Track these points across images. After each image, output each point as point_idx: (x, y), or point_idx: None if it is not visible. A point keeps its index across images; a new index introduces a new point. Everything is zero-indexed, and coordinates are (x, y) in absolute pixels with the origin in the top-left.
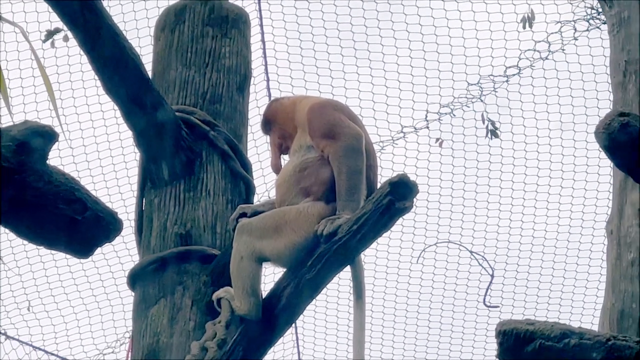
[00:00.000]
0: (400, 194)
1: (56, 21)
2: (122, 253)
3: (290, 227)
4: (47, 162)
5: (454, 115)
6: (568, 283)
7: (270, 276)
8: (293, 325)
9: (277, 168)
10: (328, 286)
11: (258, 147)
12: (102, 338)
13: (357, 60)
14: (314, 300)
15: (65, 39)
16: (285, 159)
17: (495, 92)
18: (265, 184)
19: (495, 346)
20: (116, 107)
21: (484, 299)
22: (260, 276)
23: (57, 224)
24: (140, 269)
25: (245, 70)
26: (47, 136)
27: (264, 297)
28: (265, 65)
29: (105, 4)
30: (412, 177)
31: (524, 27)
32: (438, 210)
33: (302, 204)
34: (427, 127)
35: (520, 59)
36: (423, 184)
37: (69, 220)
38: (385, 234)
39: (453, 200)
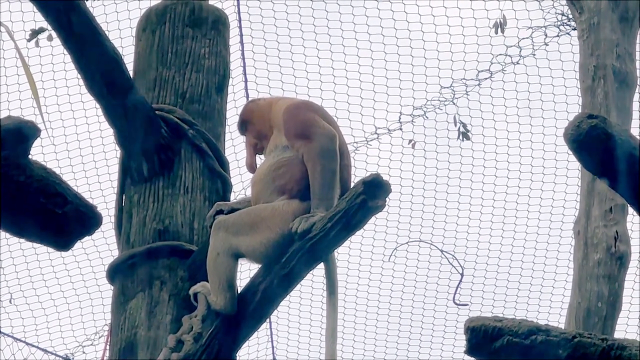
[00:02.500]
0: (373, 194)
1: (41, 21)
2: (102, 248)
3: (266, 224)
4: (30, 157)
5: (427, 117)
6: (536, 282)
7: (246, 272)
8: (268, 319)
9: (252, 167)
10: (302, 282)
11: (235, 146)
12: (82, 330)
13: (332, 63)
14: (288, 295)
15: (50, 38)
16: (261, 158)
17: (467, 95)
18: (242, 182)
19: (464, 343)
20: (98, 105)
21: (454, 297)
22: (235, 272)
23: (38, 217)
24: (119, 263)
25: (224, 71)
26: (30, 131)
27: (239, 292)
28: (244, 66)
29: (88, 4)
30: (385, 177)
31: (496, 32)
32: (410, 210)
33: (278, 201)
34: (400, 129)
35: (492, 63)
36: (396, 184)
37: (49, 214)
38: (358, 232)
39: (425, 201)
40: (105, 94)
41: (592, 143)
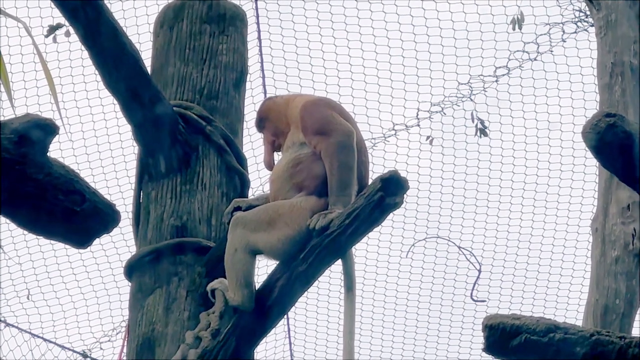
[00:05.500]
0: (391, 190)
1: (58, 17)
2: (119, 244)
3: (284, 221)
4: (48, 154)
5: (444, 113)
6: (553, 279)
7: (264, 268)
8: (285, 316)
9: (269, 165)
10: (319, 279)
11: (253, 143)
12: (99, 327)
13: (350, 59)
14: (306, 292)
15: (67, 34)
16: (279, 155)
17: (485, 91)
18: (259, 179)
19: (481, 340)
20: (115, 102)
21: (471, 293)
22: (253, 268)
23: (56, 214)
24: (137, 259)
25: (242, 67)
26: (48, 129)
27: (257, 288)
28: (261, 62)
29: (106, 0)
30: (403, 174)
31: (514, 29)
32: (428, 206)
33: (295, 198)
34: (418, 125)
35: (509, 59)
36: (413, 180)
37: (67, 211)
38: (375, 229)
39: (442, 197)
40: (123, 91)
41: (610, 141)
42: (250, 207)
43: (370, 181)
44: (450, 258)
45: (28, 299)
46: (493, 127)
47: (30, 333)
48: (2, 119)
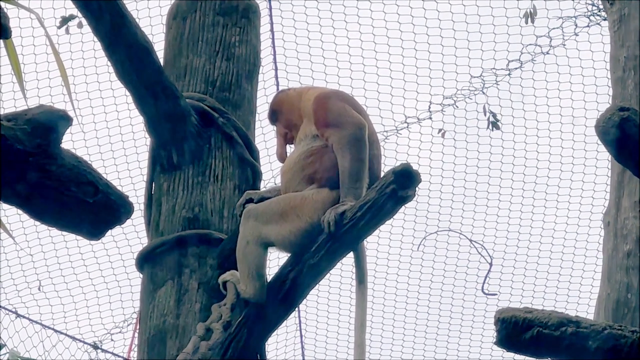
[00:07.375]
0: (403, 183)
1: (71, 8)
2: (131, 235)
3: (295, 213)
4: (61, 145)
5: (457, 106)
6: (565, 272)
7: (275, 261)
8: (296, 308)
9: (282, 157)
10: (331, 271)
11: (265, 135)
12: (110, 318)
13: (363, 52)
14: (317, 284)
15: (80, 25)
16: (291, 148)
17: (497, 85)
18: (271, 171)
19: (492, 333)
20: (128, 93)
21: (483, 287)
22: (265, 260)
23: (69, 206)
24: (149, 251)
25: (255, 59)
26: (62, 120)
27: (268, 281)
28: (274, 54)
29: None
30: (415, 167)
31: (526, 22)
32: (439, 200)
33: (307, 190)
34: (430, 118)
35: (522, 53)
36: (425, 173)
37: (80, 203)
38: (387, 222)
39: (454, 190)
40: (136, 82)
41: (623, 135)
42: (262, 199)
43: (382, 174)
44: (462, 251)
45: (39, 290)
46: (505, 120)
47: (41, 324)
48: (15, 109)
